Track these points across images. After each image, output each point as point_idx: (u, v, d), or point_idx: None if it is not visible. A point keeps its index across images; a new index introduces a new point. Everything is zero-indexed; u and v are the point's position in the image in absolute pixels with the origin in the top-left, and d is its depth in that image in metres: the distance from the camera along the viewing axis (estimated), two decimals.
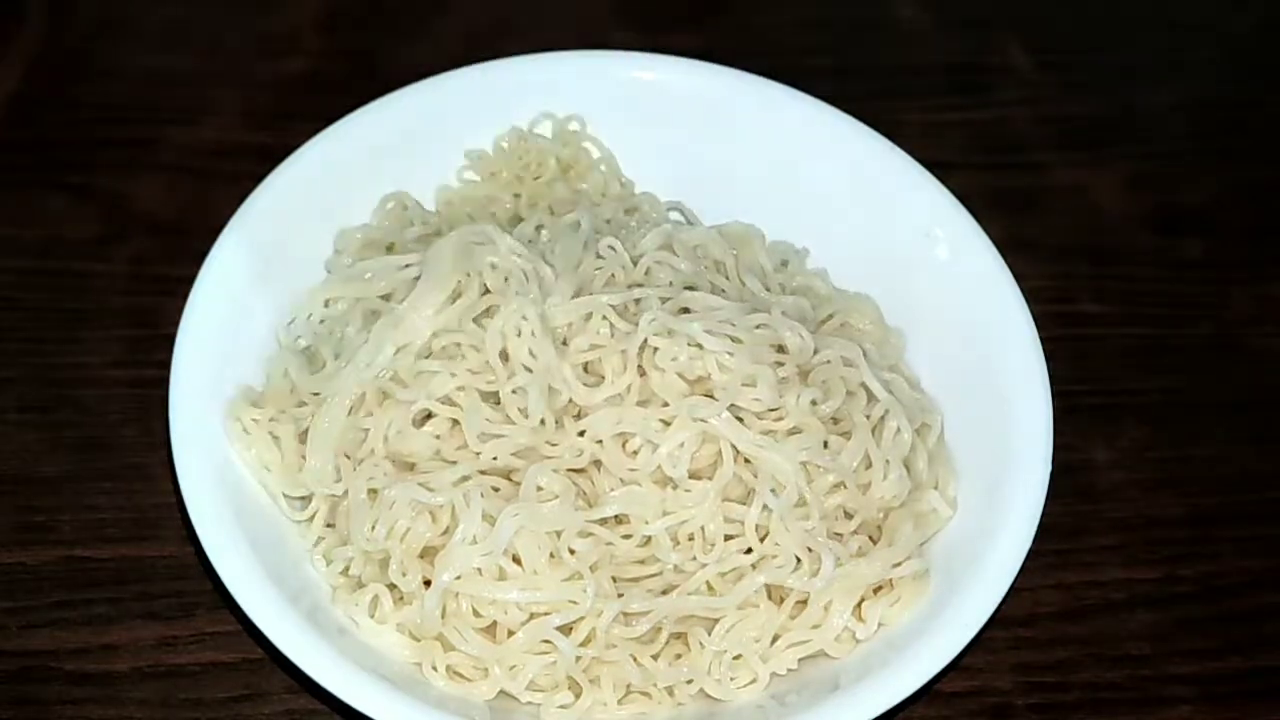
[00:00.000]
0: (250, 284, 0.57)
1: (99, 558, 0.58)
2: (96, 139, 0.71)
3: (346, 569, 0.53)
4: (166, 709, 0.55)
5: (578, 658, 0.51)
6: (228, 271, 0.57)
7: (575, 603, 0.51)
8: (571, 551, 0.51)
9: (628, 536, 0.53)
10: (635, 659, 0.52)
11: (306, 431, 0.55)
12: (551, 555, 0.51)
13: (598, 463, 0.53)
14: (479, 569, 0.51)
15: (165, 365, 0.54)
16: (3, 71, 0.73)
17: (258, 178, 0.59)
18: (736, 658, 0.52)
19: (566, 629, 0.51)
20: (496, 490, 0.53)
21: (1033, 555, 0.53)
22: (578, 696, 0.51)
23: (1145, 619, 0.60)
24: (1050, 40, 0.80)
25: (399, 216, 0.62)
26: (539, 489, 0.52)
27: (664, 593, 0.53)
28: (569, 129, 0.64)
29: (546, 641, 0.51)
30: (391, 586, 0.52)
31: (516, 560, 0.52)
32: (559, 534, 0.52)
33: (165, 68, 0.74)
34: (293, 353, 0.57)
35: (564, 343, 0.54)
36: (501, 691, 0.52)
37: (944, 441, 0.57)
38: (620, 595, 0.52)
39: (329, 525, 0.54)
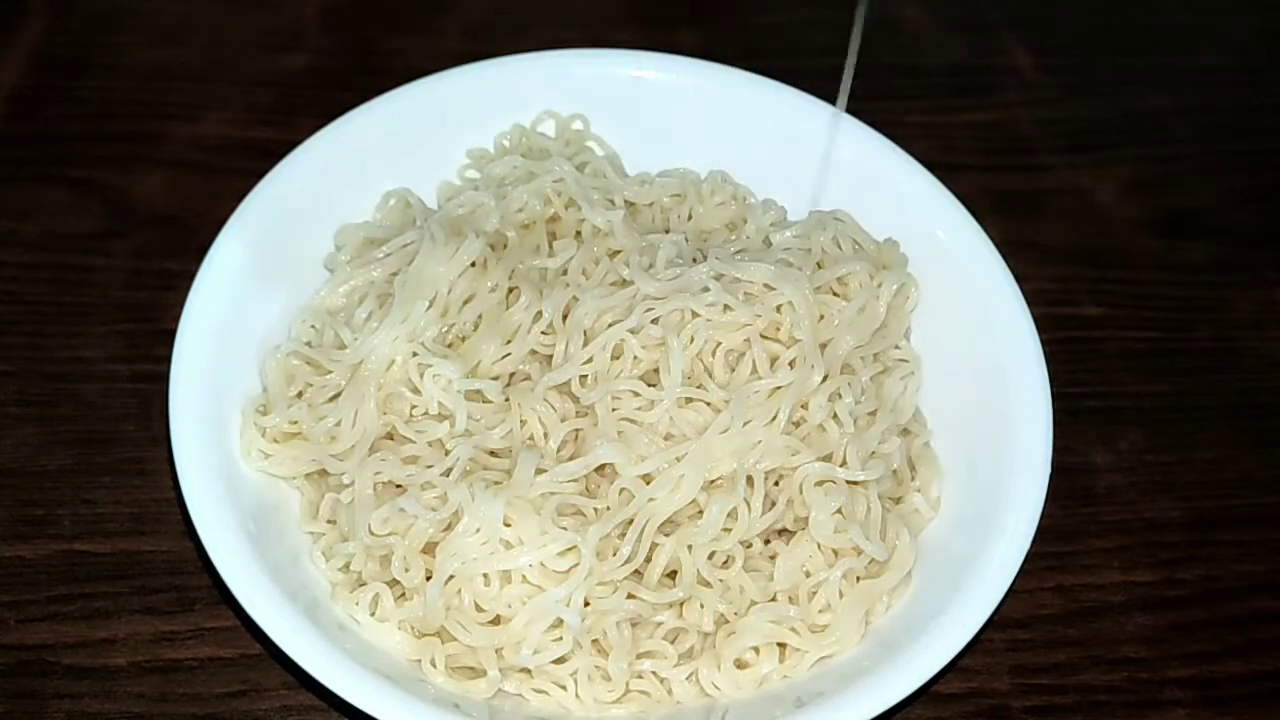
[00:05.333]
0: (251, 279, 0.57)
1: (98, 552, 0.58)
2: (98, 133, 0.71)
3: (346, 565, 0.53)
4: (164, 703, 0.55)
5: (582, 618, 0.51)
6: (229, 267, 0.57)
7: (575, 561, 0.51)
8: (565, 518, 0.52)
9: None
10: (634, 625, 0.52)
11: (334, 398, 0.55)
12: (545, 532, 0.52)
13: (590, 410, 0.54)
14: (478, 557, 0.51)
15: (165, 360, 0.54)
16: (5, 65, 0.73)
17: (259, 173, 0.59)
18: (743, 668, 0.53)
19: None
20: (498, 484, 0.53)
21: (1031, 557, 0.53)
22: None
23: (1143, 622, 0.60)
24: (1053, 42, 0.80)
25: (402, 213, 0.62)
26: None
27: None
28: (572, 127, 0.64)
29: (554, 625, 0.51)
30: (392, 583, 0.53)
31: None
32: (551, 495, 0.52)
33: (167, 63, 0.74)
34: (300, 345, 0.57)
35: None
36: (500, 690, 0.52)
37: (930, 447, 0.58)
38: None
39: (330, 522, 0.55)
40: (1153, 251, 0.72)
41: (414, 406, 0.55)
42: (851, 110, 0.64)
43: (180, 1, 0.77)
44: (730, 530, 0.53)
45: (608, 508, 0.53)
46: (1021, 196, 0.73)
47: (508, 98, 0.64)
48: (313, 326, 0.57)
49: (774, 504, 0.54)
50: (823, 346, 0.56)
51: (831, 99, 0.64)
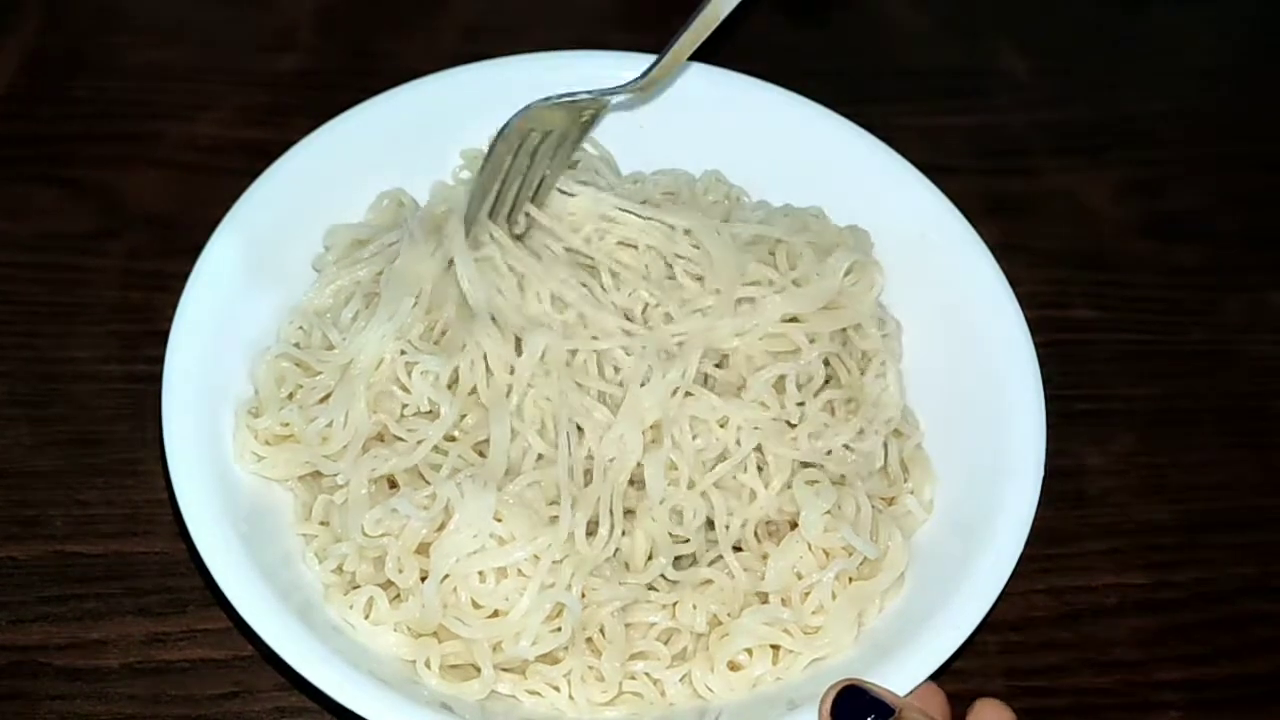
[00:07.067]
0: (244, 280, 0.57)
1: (90, 553, 0.58)
2: (92, 133, 0.70)
3: (340, 567, 0.53)
4: (156, 705, 0.55)
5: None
6: (222, 267, 0.57)
7: (570, 540, 0.52)
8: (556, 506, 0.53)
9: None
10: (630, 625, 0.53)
11: (325, 399, 0.55)
12: (536, 511, 0.52)
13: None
14: (472, 553, 0.51)
15: (158, 361, 0.54)
16: None
17: (253, 174, 0.59)
18: (736, 670, 0.53)
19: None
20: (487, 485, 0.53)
21: (1024, 559, 0.53)
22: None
23: (1135, 624, 0.60)
24: (1046, 45, 0.80)
25: (395, 214, 0.62)
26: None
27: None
28: None
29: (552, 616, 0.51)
30: (386, 585, 0.52)
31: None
32: (538, 485, 0.53)
33: (161, 62, 0.73)
34: (288, 347, 0.57)
35: None
36: (493, 692, 0.52)
37: (923, 449, 0.58)
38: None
39: (323, 523, 0.54)
40: (1144, 254, 0.72)
41: (404, 405, 0.55)
42: (845, 112, 0.64)
43: (174, 2, 0.77)
44: (673, 485, 0.53)
45: (587, 480, 0.53)
46: (1014, 199, 0.73)
47: (502, 99, 0.63)
48: (300, 328, 0.57)
49: (754, 493, 0.54)
50: (744, 305, 0.56)
51: (826, 101, 0.64)
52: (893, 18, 0.80)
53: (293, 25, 0.76)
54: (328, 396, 0.55)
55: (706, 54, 0.66)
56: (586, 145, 0.64)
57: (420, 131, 0.63)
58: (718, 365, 0.56)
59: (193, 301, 0.56)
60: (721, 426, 0.54)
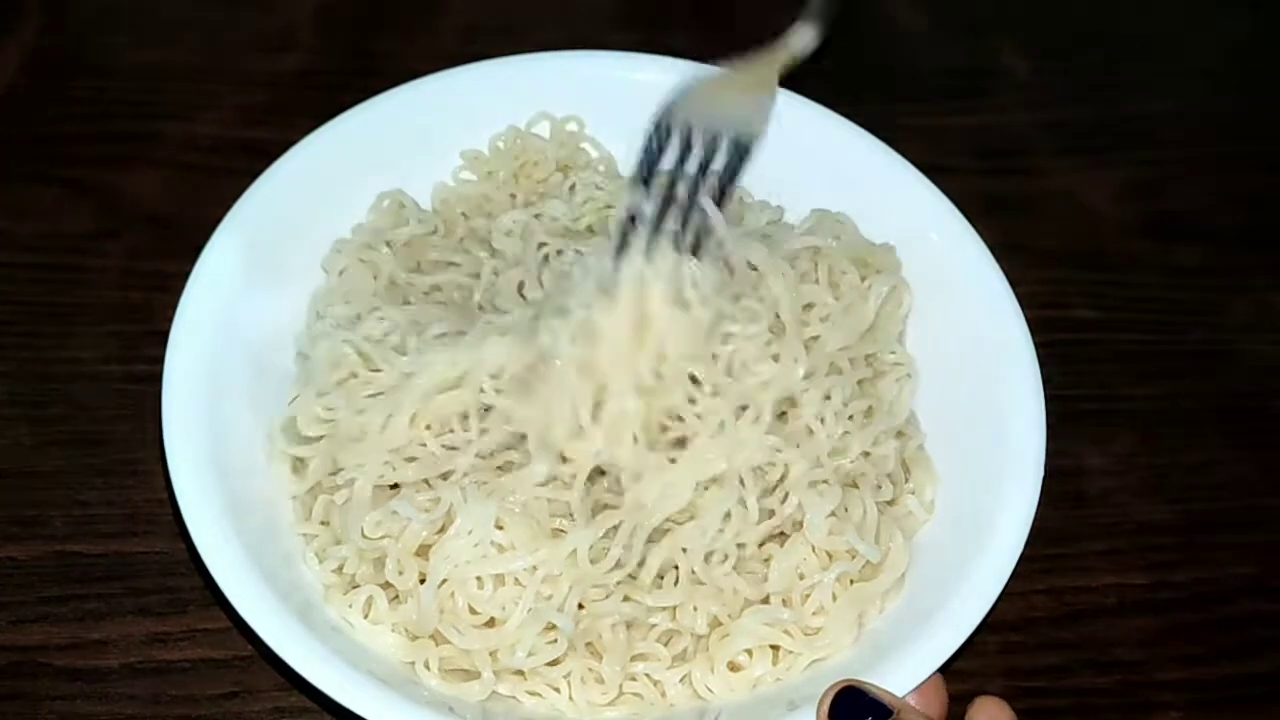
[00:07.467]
0: (244, 280, 0.57)
1: (90, 553, 0.58)
2: (92, 133, 0.70)
3: (340, 568, 0.53)
4: (156, 705, 0.55)
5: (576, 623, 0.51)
6: (222, 267, 0.57)
7: (573, 556, 0.51)
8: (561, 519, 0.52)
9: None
10: (629, 626, 0.52)
11: (374, 396, 0.54)
12: (539, 522, 0.52)
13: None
14: (470, 560, 0.51)
15: (158, 361, 0.54)
16: None
17: (253, 174, 0.59)
18: (736, 671, 0.53)
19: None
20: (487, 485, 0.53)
21: (1024, 560, 0.53)
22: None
23: (1136, 624, 0.60)
24: (1047, 45, 0.80)
25: (396, 215, 0.62)
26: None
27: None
28: (567, 129, 0.64)
29: (548, 629, 0.51)
30: (386, 585, 0.52)
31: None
32: (547, 501, 0.52)
33: (162, 63, 0.73)
34: (360, 340, 0.56)
35: None
36: (494, 693, 0.52)
37: (924, 450, 0.58)
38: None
39: (323, 523, 0.54)
40: (1145, 254, 0.72)
41: (450, 430, 0.54)
42: (845, 112, 0.64)
43: (174, 2, 0.77)
44: (724, 531, 0.53)
45: (605, 506, 0.53)
46: (1015, 199, 0.73)
47: (502, 99, 0.64)
48: (387, 320, 0.56)
49: (772, 512, 0.54)
50: (809, 343, 0.56)
51: (825, 102, 0.64)
52: (893, 18, 0.80)
53: (293, 25, 0.76)
54: (378, 395, 0.55)
55: (706, 55, 0.66)
56: (587, 147, 0.64)
57: (420, 132, 0.63)
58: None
59: (193, 301, 0.56)
60: (782, 478, 0.54)
